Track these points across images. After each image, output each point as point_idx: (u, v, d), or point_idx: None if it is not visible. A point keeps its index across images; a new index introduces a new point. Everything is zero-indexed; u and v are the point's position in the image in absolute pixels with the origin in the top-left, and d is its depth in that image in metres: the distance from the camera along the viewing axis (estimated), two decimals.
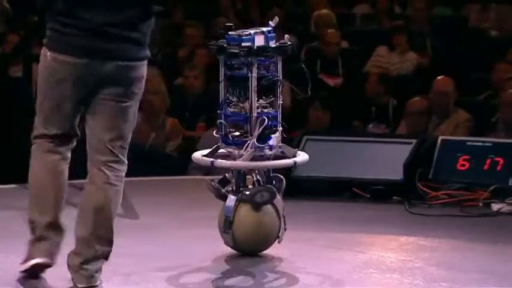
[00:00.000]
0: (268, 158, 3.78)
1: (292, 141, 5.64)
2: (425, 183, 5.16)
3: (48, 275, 3.48)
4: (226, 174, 3.92)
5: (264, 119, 3.74)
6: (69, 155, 3.59)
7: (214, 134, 3.87)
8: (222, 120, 3.81)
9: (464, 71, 7.80)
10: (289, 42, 3.79)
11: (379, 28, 9.20)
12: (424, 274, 3.71)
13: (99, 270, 3.40)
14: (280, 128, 3.81)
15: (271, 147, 3.78)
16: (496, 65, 7.44)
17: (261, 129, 3.71)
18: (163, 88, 6.98)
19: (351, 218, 4.77)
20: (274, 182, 3.86)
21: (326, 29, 8.49)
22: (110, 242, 3.42)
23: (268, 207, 3.84)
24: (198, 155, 3.90)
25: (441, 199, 5.07)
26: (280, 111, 3.82)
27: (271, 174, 3.86)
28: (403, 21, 8.84)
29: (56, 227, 3.53)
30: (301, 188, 5.04)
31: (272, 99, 3.79)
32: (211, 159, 3.79)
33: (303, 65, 4.00)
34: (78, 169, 3.67)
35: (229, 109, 3.80)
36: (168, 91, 7.04)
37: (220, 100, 3.82)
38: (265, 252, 3.92)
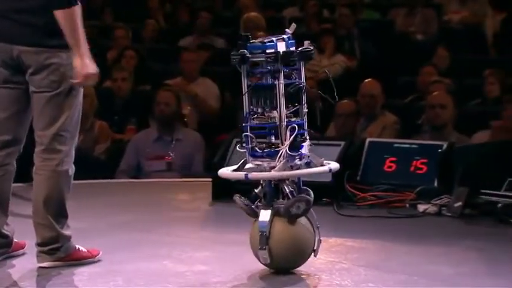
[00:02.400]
0: (298, 168, 3.62)
1: (221, 144, 5.65)
2: (354, 184, 5.21)
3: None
4: (255, 190, 3.71)
5: (295, 127, 3.59)
6: (8, 160, 3.76)
7: (238, 149, 3.70)
8: (249, 133, 3.62)
9: (391, 74, 7.91)
10: (311, 47, 3.69)
11: (308, 31, 9.27)
12: (352, 275, 3.74)
13: (54, 249, 3.69)
14: (308, 136, 3.68)
15: (301, 156, 3.63)
16: (422, 68, 7.58)
17: (292, 137, 3.59)
18: (91, 91, 6.90)
19: None
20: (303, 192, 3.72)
21: (255, 32, 8.51)
22: (50, 227, 3.66)
23: (303, 219, 3.67)
24: (226, 171, 3.73)
25: (369, 200, 5.13)
26: (306, 119, 3.66)
27: (301, 185, 3.73)
28: (331, 25, 8.93)
29: None
30: (232, 190, 5.03)
31: (297, 107, 3.66)
32: (245, 173, 3.61)
33: (326, 71, 3.86)
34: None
35: (253, 121, 3.64)
36: (96, 94, 6.97)
37: (244, 112, 3.64)
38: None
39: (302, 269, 3.76)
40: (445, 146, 5.31)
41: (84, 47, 3.62)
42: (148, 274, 3.73)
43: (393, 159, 5.35)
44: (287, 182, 3.68)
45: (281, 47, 3.65)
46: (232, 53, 3.65)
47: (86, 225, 4.46)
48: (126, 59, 8.07)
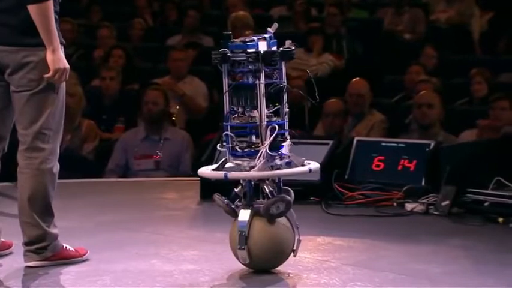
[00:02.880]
0: (278, 168, 3.62)
1: (209, 143, 5.65)
2: (342, 183, 5.22)
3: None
4: (235, 189, 3.71)
5: (275, 127, 3.58)
6: None
7: (219, 148, 3.71)
8: (229, 132, 3.63)
9: (378, 73, 7.92)
10: (292, 47, 3.68)
11: (296, 30, 9.28)
12: (340, 274, 3.75)
13: (41, 248, 3.68)
14: (289, 136, 3.68)
15: (281, 156, 3.63)
16: (409, 68, 7.59)
17: (272, 137, 3.58)
18: (79, 90, 6.89)
19: None
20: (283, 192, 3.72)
21: (243, 31, 8.51)
22: (36, 225, 3.65)
23: (282, 219, 3.67)
24: (206, 170, 3.72)
25: (357, 199, 5.14)
26: (287, 119, 3.67)
27: (281, 185, 3.73)
28: (319, 24, 8.94)
29: None
30: (218, 189, 5.04)
31: (277, 107, 3.65)
32: (224, 172, 3.60)
33: (308, 72, 3.79)
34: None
35: (234, 120, 3.64)
36: (83, 93, 6.95)
37: (225, 112, 3.64)
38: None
39: (289, 268, 3.76)
40: (432, 145, 5.32)
41: (56, 42, 3.61)
42: (136, 273, 3.72)
43: (381, 158, 5.36)
44: (267, 181, 3.68)
45: (262, 46, 3.65)
46: (213, 52, 3.65)
47: (73, 225, 4.46)
48: (114, 58, 8.05)
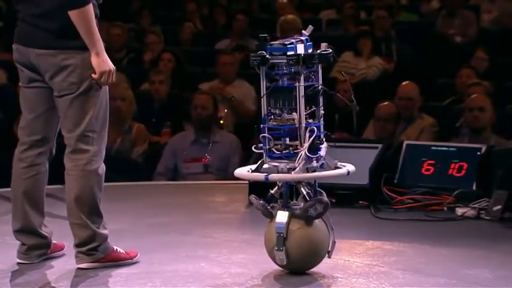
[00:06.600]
0: (314, 170, 3.64)
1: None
2: (391, 187, 5.18)
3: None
4: (271, 190, 3.73)
5: (314, 129, 3.61)
6: (39, 161, 3.80)
7: (254, 149, 3.71)
8: (267, 134, 3.65)
9: (429, 76, 7.86)
10: (330, 50, 3.70)
11: (345, 33, 9.25)
12: (389, 278, 3.73)
13: (92, 249, 3.73)
14: (325, 138, 3.70)
15: (318, 159, 3.64)
16: (460, 71, 7.52)
17: (311, 139, 3.60)
18: (130, 93, 6.95)
19: None
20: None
21: (292, 35, 8.50)
22: (85, 226, 3.70)
23: (318, 221, 3.69)
24: (243, 171, 3.77)
25: (406, 204, 5.10)
26: (322, 121, 3.69)
27: (317, 187, 3.73)
28: (368, 27, 8.90)
29: (27, 232, 3.83)
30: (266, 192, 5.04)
31: (313, 109, 3.67)
32: (265, 174, 3.61)
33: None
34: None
35: (271, 122, 3.66)
36: (134, 96, 7.01)
37: (263, 114, 3.67)
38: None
39: (338, 272, 3.74)
40: (483, 148, 5.26)
41: (99, 44, 3.66)
42: (186, 276, 3.74)
43: (431, 162, 5.31)
44: (303, 183, 3.69)
45: (300, 49, 3.66)
46: (252, 54, 3.67)
47: (123, 227, 4.49)
48: (164, 62, 8.10)
